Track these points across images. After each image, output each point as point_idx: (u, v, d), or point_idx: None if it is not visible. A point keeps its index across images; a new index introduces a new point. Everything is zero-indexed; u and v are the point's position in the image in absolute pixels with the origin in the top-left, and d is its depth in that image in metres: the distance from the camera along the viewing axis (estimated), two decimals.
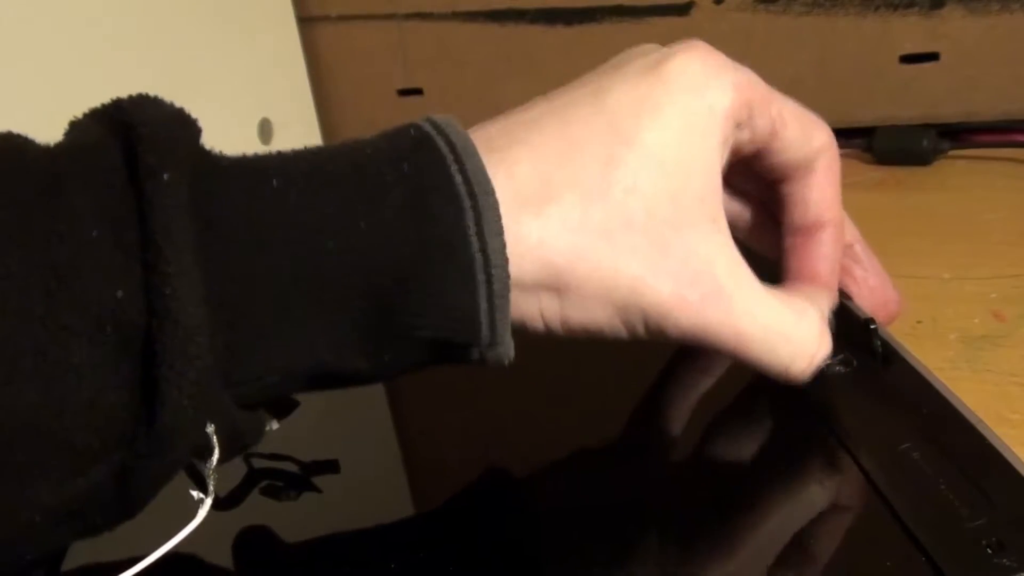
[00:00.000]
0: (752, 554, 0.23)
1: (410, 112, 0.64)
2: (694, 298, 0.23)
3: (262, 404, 0.24)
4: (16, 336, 0.18)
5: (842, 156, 0.28)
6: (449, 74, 0.62)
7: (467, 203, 0.21)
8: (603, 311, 0.23)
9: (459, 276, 0.21)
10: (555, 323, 0.24)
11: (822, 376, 0.27)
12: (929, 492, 0.22)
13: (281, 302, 0.21)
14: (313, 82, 0.64)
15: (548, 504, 0.26)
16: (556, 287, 0.23)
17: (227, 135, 0.64)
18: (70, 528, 0.22)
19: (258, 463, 0.30)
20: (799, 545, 0.23)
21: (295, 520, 0.27)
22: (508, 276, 0.22)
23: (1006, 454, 0.23)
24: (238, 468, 0.29)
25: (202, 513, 0.26)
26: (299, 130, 0.63)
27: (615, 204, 0.23)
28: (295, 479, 0.29)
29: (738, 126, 0.25)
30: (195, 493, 0.27)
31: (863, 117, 0.54)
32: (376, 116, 0.65)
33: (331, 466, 0.29)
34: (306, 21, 0.63)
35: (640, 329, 0.24)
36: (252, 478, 0.29)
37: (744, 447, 0.27)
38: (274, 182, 0.21)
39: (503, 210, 0.22)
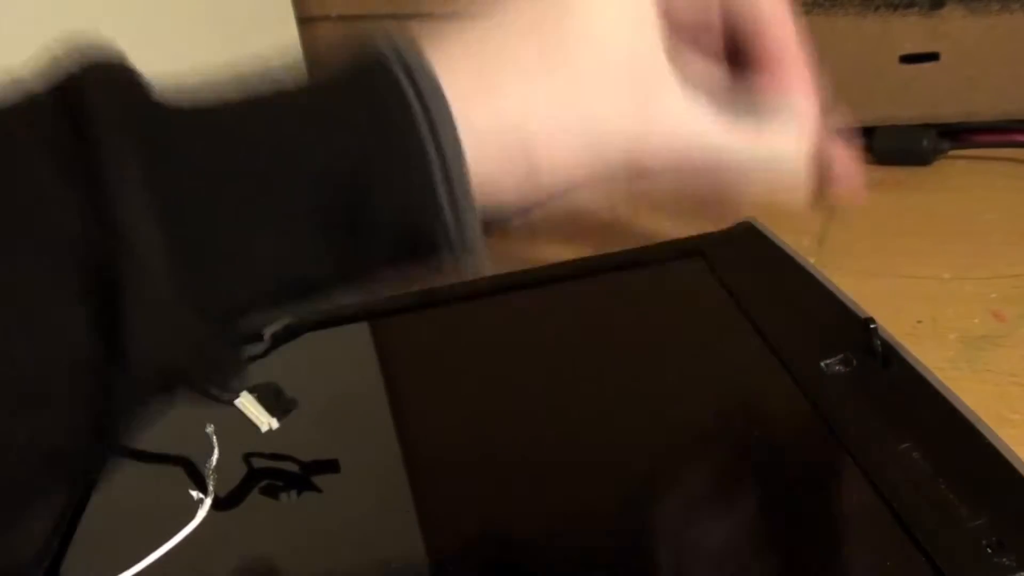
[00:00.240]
0: (751, 553, 0.23)
1: None
2: (661, 121, 0.24)
3: (240, 338, 0.23)
4: None
5: None
6: None
7: (411, 92, 0.22)
8: (574, 157, 0.23)
9: (414, 159, 0.22)
10: (529, 190, 0.24)
11: (822, 376, 0.27)
12: (929, 492, 0.22)
13: (240, 212, 0.21)
14: None
15: (548, 503, 0.26)
16: (522, 148, 0.23)
17: None
18: (49, 469, 0.22)
19: (258, 463, 0.30)
20: (799, 544, 0.23)
21: (295, 520, 0.27)
22: (460, 143, 0.22)
23: (1006, 454, 0.23)
24: (238, 468, 0.29)
25: (202, 513, 0.26)
26: None
27: (567, 55, 0.23)
28: (295, 479, 0.29)
29: None
30: (195, 493, 0.27)
31: (863, 117, 0.54)
32: None
33: (331, 466, 0.29)
34: (306, 21, 0.63)
35: (619, 170, 0.24)
36: (252, 478, 0.29)
37: (744, 446, 0.27)
38: (225, 107, 0.22)
39: (455, 80, 0.22)
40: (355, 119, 0.22)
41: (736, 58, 0.29)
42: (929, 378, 0.26)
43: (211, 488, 0.27)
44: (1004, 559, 0.20)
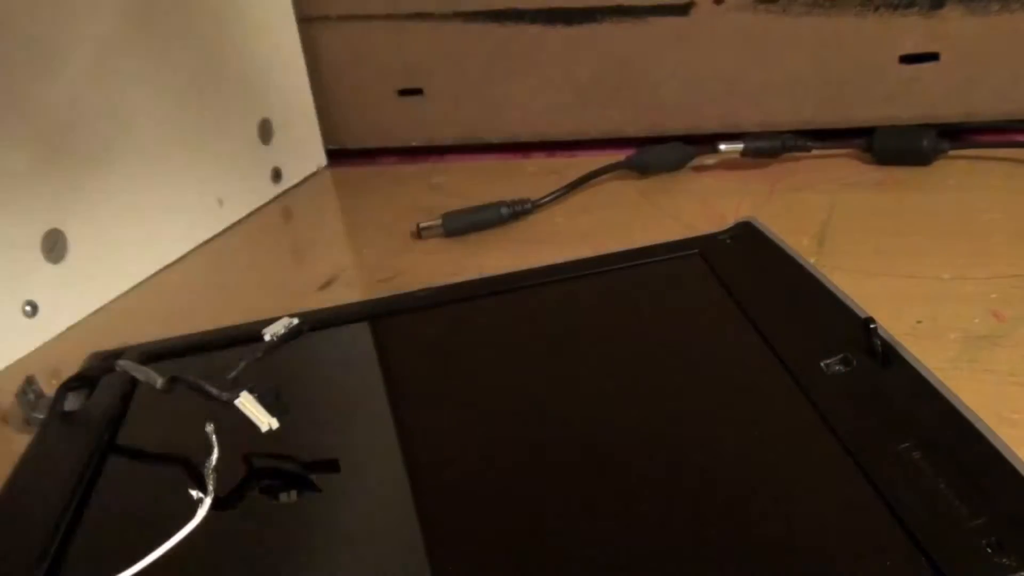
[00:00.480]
0: (751, 554, 0.23)
1: (410, 112, 0.64)
2: None
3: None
4: None
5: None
6: (449, 74, 0.62)
7: None
8: None
9: None
10: None
11: (822, 376, 0.27)
12: (929, 492, 0.22)
13: None
14: (313, 82, 0.64)
15: (548, 503, 0.26)
16: None
17: (227, 135, 0.65)
18: None
19: (258, 463, 0.30)
20: (799, 544, 0.23)
21: (295, 520, 0.27)
22: None
23: (1006, 454, 0.23)
24: (238, 468, 0.29)
25: (202, 513, 0.26)
26: (299, 130, 0.63)
27: None
28: (295, 479, 0.29)
29: None
30: (195, 493, 0.27)
31: (863, 117, 0.54)
32: (376, 116, 0.65)
33: (331, 466, 0.29)
34: (306, 21, 0.63)
35: None
36: (252, 478, 0.29)
37: (743, 447, 0.27)
38: None
39: None
40: None
41: None
42: (929, 378, 0.26)
43: (211, 488, 0.27)
44: (1004, 559, 0.20)
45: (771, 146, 0.52)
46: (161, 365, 0.33)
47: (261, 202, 0.59)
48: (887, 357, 0.28)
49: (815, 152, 0.52)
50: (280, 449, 0.30)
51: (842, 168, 0.50)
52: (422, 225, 0.50)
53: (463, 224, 0.50)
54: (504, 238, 0.49)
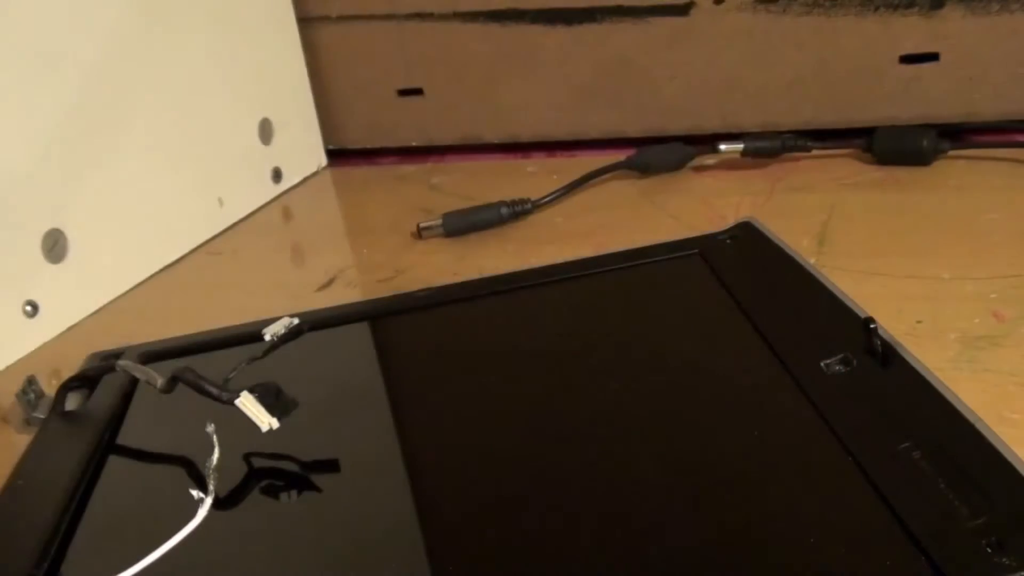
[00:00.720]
0: (751, 554, 0.23)
1: (410, 112, 0.64)
2: None
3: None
4: None
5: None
6: (449, 74, 0.62)
7: None
8: None
9: None
10: None
11: (822, 376, 0.27)
12: (929, 492, 0.22)
13: None
14: (313, 82, 0.64)
15: (548, 503, 0.26)
16: None
17: (227, 135, 0.65)
18: None
19: (258, 463, 0.30)
20: (798, 544, 0.23)
21: (295, 520, 0.27)
22: None
23: (1006, 454, 0.23)
24: (238, 468, 0.29)
25: (202, 513, 0.26)
26: (299, 130, 0.63)
27: None
28: (295, 479, 0.29)
29: None
30: (195, 493, 0.27)
31: (863, 117, 0.54)
32: (376, 116, 0.65)
33: (331, 466, 0.29)
34: (306, 21, 0.63)
35: None
36: (252, 478, 0.29)
37: (743, 447, 0.27)
38: None
39: None
40: None
41: None
42: (929, 378, 0.26)
43: (211, 488, 0.27)
44: (1004, 559, 0.20)
45: (771, 146, 0.52)
46: (161, 365, 0.33)
47: (261, 202, 0.60)
48: (887, 357, 0.28)
49: (815, 152, 0.52)
50: (280, 449, 0.30)
51: (842, 168, 0.50)
52: (422, 225, 0.51)
53: (463, 224, 0.50)
54: (504, 238, 0.49)
